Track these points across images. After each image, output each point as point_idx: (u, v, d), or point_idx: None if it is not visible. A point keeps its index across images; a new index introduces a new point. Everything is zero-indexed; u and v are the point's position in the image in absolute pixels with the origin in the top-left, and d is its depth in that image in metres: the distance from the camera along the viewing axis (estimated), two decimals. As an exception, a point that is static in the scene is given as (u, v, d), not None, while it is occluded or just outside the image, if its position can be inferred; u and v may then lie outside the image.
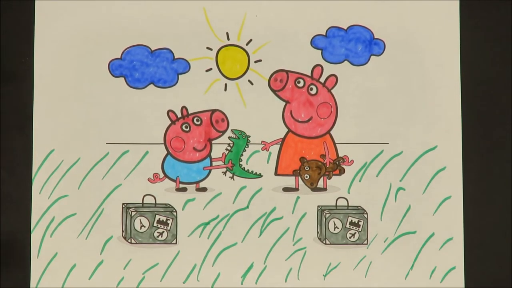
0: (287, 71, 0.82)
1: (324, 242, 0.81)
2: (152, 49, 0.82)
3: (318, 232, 0.81)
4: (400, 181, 0.81)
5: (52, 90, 0.81)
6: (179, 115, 0.82)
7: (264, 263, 0.81)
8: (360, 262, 0.81)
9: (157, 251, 0.81)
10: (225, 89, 0.82)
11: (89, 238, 0.81)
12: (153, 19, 0.82)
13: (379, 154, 0.82)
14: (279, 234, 0.81)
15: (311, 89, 0.82)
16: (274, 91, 0.82)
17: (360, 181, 0.82)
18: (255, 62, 0.82)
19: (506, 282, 0.81)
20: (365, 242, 0.81)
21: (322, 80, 0.82)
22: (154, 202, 0.81)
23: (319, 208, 0.81)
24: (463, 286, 0.80)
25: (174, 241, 0.81)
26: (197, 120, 0.82)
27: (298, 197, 0.81)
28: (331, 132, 0.82)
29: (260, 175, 0.82)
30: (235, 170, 0.82)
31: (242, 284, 0.81)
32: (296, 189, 0.82)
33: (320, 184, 0.82)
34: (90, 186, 0.81)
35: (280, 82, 0.82)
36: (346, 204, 0.82)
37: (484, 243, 0.81)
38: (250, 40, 0.82)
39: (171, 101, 0.82)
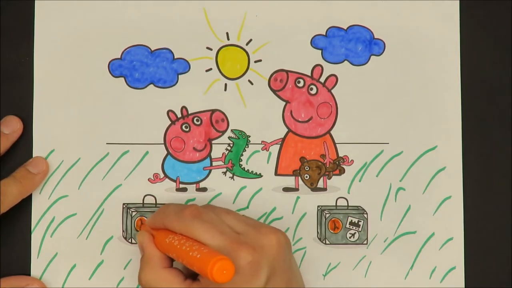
0: (287, 71, 0.82)
1: (324, 242, 0.81)
2: (152, 49, 0.82)
3: (318, 232, 0.81)
4: (400, 181, 0.81)
5: (52, 90, 0.81)
6: (179, 115, 0.82)
7: (264, 263, 0.81)
8: (360, 262, 0.81)
9: (157, 251, 0.81)
10: (225, 89, 0.82)
11: (89, 238, 0.81)
12: (153, 19, 0.82)
13: (379, 154, 0.82)
14: (279, 234, 0.81)
15: (311, 89, 0.82)
16: (274, 91, 0.82)
17: (360, 181, 0.82)
18: (255, 62, 0.82)
19: (506, 282, 0.81)
20: (365, 242, 0.81)
21: (322, 80, 0.82)
22: (154, 202, 0.81)
23: (319, 208, 0.81)
24: (463, 286, 0.80)
25: (174, 241, 0.81)
26: (197, 120, 0.82)
27: (298, 197, 0.81)
28: (331, 132, 0.82)
29: (260, 175, 0.82)
30: (235, 170, 0.82)
31: (242, 284, 0.81)
32: (296, 189, 0.82)
33: (320, 184, 0.82)
34: (90, 186, 0.81)
35: (280, 82, 0.82)
36: (346, 204, 0.82)
37: (484, 243, 0.81)
38: (250, 40, 0.82)
39: (171, 101, 0.82)
